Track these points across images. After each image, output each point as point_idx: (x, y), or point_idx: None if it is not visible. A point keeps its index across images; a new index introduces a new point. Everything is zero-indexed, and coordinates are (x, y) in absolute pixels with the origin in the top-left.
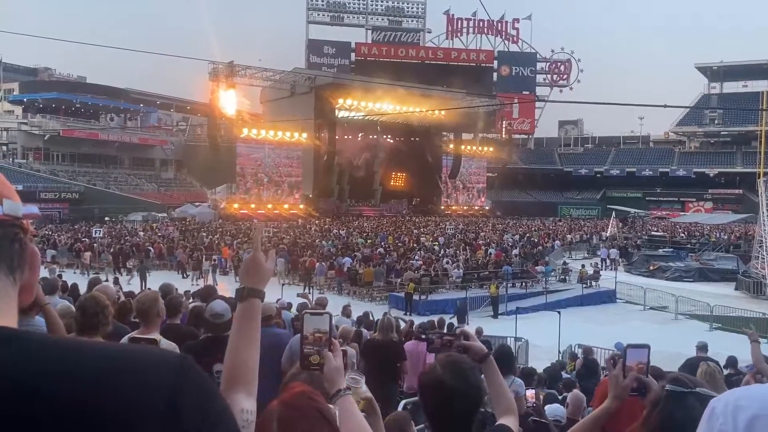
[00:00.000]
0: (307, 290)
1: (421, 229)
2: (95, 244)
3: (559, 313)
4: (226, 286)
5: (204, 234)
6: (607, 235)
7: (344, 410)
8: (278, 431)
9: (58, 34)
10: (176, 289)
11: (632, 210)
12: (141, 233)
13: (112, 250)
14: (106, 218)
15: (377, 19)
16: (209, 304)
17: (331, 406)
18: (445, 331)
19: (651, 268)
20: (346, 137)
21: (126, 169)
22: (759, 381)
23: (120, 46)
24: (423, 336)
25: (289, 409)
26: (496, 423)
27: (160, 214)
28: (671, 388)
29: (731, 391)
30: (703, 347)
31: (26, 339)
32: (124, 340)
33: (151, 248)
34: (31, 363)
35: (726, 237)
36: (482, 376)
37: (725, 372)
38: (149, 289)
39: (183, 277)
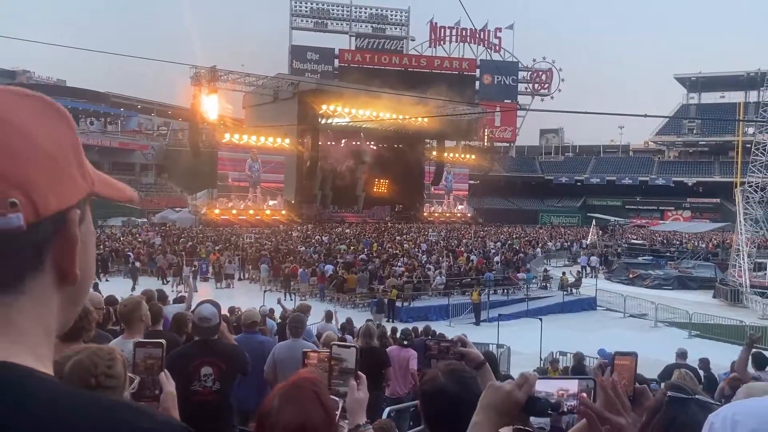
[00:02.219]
0: (287, 297)
1: (404, 236)
2: None
3: (540, 320)
4: (208, 292)
5: (184, 239)
6: (588, 242)
7: None
8: (277, 406)
9: (38, 36)
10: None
11: (612, 218)
12: (121, 238)
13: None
14: None
15: (361, 26)
16: (197, 308)
17: (334, 398)
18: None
19: (631, 275)
20: (329, 143)
21: (106, 174)
22: (734, 387)
23: (101, 50)
24: (405, 342)
25: (291, 388)
26: None
27: (140, 219)
28: (673, 395)
29: (729, 406)
30: (682, 354)
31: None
32: (119, 343)
33: (131, 254)
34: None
35: (704, 245)
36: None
37: (702, 374)
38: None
39: (163, 283)
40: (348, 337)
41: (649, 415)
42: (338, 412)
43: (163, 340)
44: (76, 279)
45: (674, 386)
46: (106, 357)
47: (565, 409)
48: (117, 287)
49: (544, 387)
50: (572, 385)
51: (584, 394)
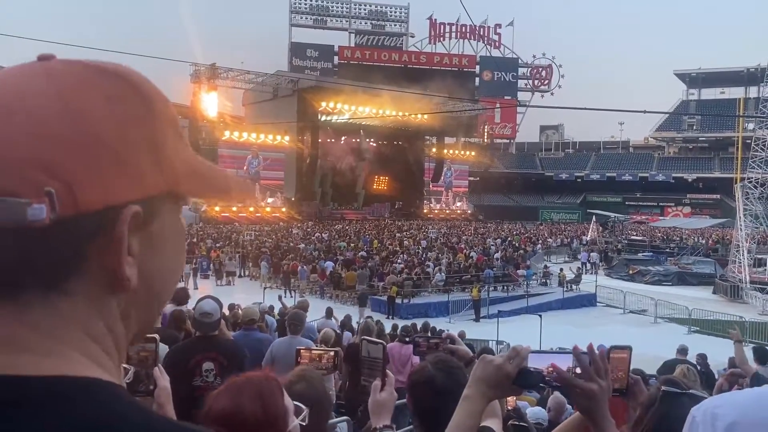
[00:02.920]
0: (288, 294)
1: (404, 233)
2: None
3: (540, 316)
4: (208, 290)
5: (186, 237)
6: (588, 239)
7: None
8: (216, 394)
9: (36, 33)
10: None
11: (612, 214)
12: None
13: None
14: None
15: (360, 23)
16: (198, 304)
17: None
18: (430, 334)
19: (631, 272)
20: (329, 140)
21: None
22: (732, 382)
23: (100, 47)
24: (407, 339)
25: (239, 381)
26: (480, 425)
27: None
28: (666, 389)
29: (709, 399)
30: (683, 350)
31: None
32: None
33: None
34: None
35: (704, 241)
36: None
37: (699, 369)
38: None
39: None
40: (347, 333)
41: (643, 409)
42: (302, 420)
43: (156, 335)
44: (125, 284)
45: (668, 381)
46: None
47: (558, 384)
48: None
49: (537, 362)
50: (566, 361)
51: (554, 362)
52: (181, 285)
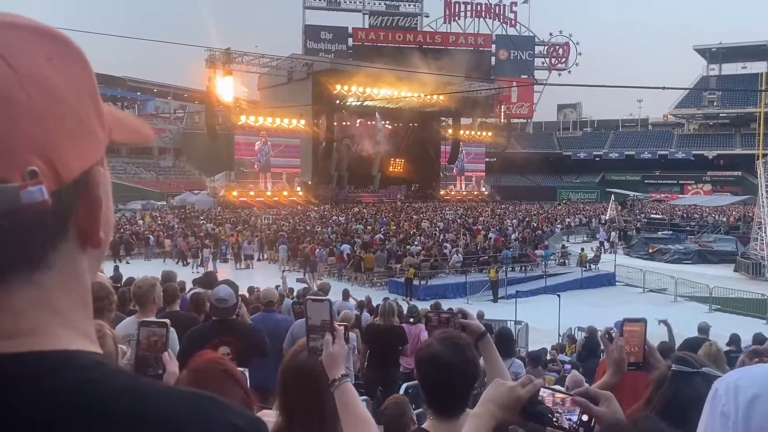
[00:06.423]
0: (307, 276)
1: (421, 215)
2: None
3: (558, 296)
4: (227, 274)
5: (204, 222)
6: (607, 218)
7: (342, 400)
8: (185, 380)
9: (52, 20)
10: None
11: (631, 193)
12: (140, 221)
13: (111, 239)
14: None
15: (374, 4)
16: (213, 290)
17: (241, 369)
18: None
19: (650, 250)
20: (344, 123)
21: (124, 158)
22: (753, 360)
23: (116, 33)
24: (411, 319)
25: (196, 374)
26: None
27: (159, 203)
28: (677, 368)
29: (732, 372)
30: (705, 329)
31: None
32: (132, 323)
33: (151, 236)
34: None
35: (725, 219)
36: (480, 354)
37: (726, 349)
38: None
39: (183, 265)
40: (366, 315)
41: (653, 387)
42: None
43: (167, 320)
44: (101, 243)
45: (679, 359)
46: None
47: (570, 426)
48: (137, 270)
49: (547, 397)
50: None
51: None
52: (201, 269)
